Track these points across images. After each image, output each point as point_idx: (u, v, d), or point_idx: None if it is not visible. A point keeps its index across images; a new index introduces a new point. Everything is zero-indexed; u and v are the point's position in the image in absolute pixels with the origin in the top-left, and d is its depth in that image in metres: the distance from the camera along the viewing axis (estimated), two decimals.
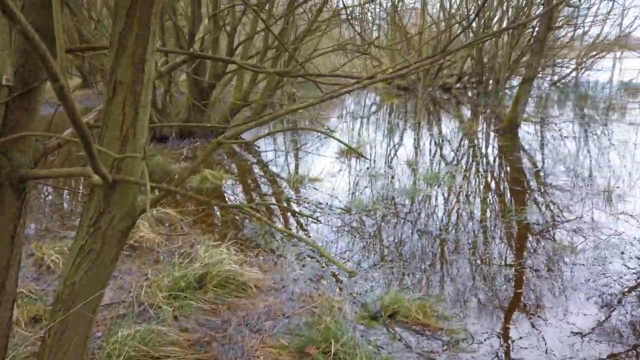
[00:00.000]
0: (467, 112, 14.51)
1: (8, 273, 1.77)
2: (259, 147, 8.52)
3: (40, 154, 1.87)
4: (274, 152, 8.32)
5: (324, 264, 3.71)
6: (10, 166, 1.69)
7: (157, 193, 2.08)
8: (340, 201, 5.31)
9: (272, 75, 8.92)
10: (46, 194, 5.56)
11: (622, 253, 3.96)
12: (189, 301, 3.00)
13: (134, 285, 3.23)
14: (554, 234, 4.42)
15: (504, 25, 17.12)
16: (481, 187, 6.28)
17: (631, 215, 4.84)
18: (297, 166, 7.30)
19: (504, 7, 16.59)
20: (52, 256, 3.58)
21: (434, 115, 13.76)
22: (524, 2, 14.95)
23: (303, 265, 3.69)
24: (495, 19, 17.08)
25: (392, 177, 6.46)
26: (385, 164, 7.35)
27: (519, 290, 3.38)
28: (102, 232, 1.67)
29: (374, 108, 16.21)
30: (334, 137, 1.97)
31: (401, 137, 9.91)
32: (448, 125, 11.79)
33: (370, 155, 7.92)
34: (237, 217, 4.67)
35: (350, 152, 7.75)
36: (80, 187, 5.76)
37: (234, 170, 6.87)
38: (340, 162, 7.29)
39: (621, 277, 3.55)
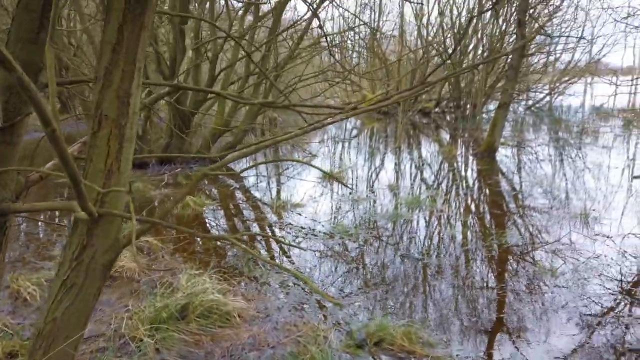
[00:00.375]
0: (446, 136, 14.78)
1: None
2: (241, 173, 8.51)
3: (22, 187, 1.85)
4: (255, 177, 8.32)
5: (307, 291, 3.69)
6: None
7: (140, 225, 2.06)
8: (323, 226, 5.31)
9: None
10: (21, 221, 5.43)
11: (600, 275, 4.04)
12: (172, 333, 2.94)
13: (114, 317, 3.16)
14: (533, 256, 4.49)
15: (479, 52, 17.66)
16: (462, 210, 6.36)
17: (608, 237, 4.95)
18: (279, 191, 7.31)
19: (479, 35, 17.13)
20: (28, 288, 3.49)
21: (414, 139, 13.99)
22: (498, 31, 15.48)
23: (287, 293, 3.67)
24: (471, 46, 17.60)
25: (374, 202, 6.50)
26: (367, 188, 7.41)
27: (501, 314, 3.41)
28: (84, 266, 1.65)
29: (354, 132, 16.40)
30: (314, 167, 2.00)
31: (382, 161, 10.02)
32: (428, 149, 11.99)
33: (352, 179, 7.98)
34: (219, 245, 4.63)
35: (333, 177, 7.80)
36: (57, 219, 5.65)
37: (216, 196, 6.84)
38: (322, 187, 7.31)
39: (600, 298, 3.61)
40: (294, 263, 4.38)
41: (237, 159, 1.78)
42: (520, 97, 22.17)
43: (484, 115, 18.31)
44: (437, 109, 21.24)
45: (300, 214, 5.80)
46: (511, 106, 18.04)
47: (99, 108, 1.63)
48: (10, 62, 0.76)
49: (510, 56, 9.76)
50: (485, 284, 3.92)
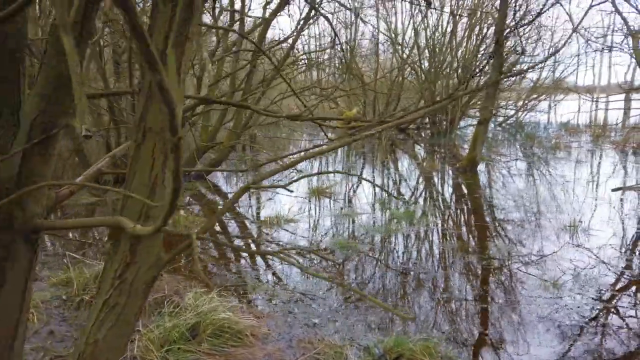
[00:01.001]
0: (423, 152, 15.00)
1: (17, 332, 1.63)
2: (288, 185, 8.40)
3: (52, 203, 1.77)
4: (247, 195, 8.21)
5: (315, 307, 3.64)
6: (24, 216, 1.58)
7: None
8: (321, 241, 5.27)
9: (240, 116, 8.95)
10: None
11: (583, 286, 4.12)
12: (185, 353, 2.84)
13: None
14: (527, 269, 4.56)
15: (454, 66, 18.11)
16: (456, 223, 6.43)
17: (589, 249, 5.08)
18: (264, 207, 7.24)
19: (454, 53, 17.60)
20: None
21: (393, 155, 14.13)
22: (473, 47, 15.94)
23: (296, 309, 3.60)
24: (446, 62, 18.05)
25: (369, 216, 6.51)
26: (351, 203, 7.42)
27: (504, 326, 3.43)
28: (127, 285, 1.58)
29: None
30: (364, 179, 1.98)
31: (371, 176, 10.08)
32: (410, 164, 12.12)
33: (343, 194, 7.98)
34: (220, 262, 4.53)
35: (320, 192, 7.79)
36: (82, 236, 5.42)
37: (201, 214, 6.72)
38: (310, 202, 7.28)
39: (579, 308, 3.67)
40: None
41: (278, 172, 1.75)
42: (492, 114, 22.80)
43: (457, 132, 18.74)
44: (412, 125, 21.58)
45: (293, 231, 5.75)
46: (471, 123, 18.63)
47: (143, 120, 1.58)
48: (157, 64, 0.73)
49: (487, 76, 10.03)
50: (493, 298, 3.95)
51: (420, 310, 3.70)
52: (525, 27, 12.59)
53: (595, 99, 17.00)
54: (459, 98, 16.56)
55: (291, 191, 2.42)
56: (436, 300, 3.89)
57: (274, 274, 4.55)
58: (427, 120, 20.97)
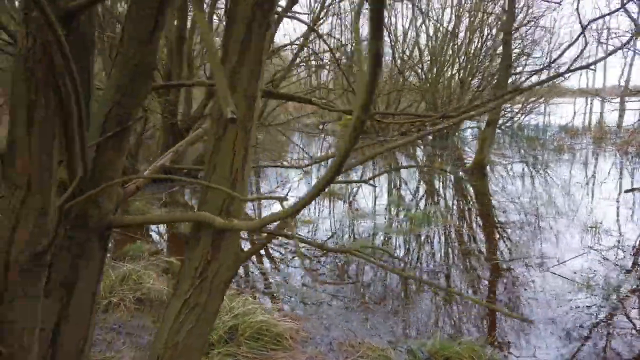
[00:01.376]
0: (427, 154, 14.97)
1: (88, 334, 1.54)
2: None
3: (121, 199, 1.68)
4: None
5: (349, 309, 3.56)
6: (99, 214, 1.49)
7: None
8: (339, 241, 5.20)
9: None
10: None
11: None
12: (225, 357, 2.75)
13: None
14: (561, 271, 4.51)
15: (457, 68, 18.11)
16: (471, 224, 6.37)
17: (616, 248, 5.04)
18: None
19: (455, 55, 17.62)
20: None
21: (398, 158, 14.07)
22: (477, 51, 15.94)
23: (328, 312, 3.52)
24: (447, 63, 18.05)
25: (384, 218, 6.44)
26: (364, 204, 7.35)
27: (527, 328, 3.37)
28: (208, 283, 1.49)
29: (332, 150, 16.40)
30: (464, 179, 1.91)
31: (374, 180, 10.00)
32: (414, 169, 12.07)
33: (354, 196, 7.91)
34: (246, 263, 4.44)
35: (333, 193, 7.71)
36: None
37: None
38: (321, 204, 7.21)
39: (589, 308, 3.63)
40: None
41: (353, 167, 1.68)
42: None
43: (459, 135, 18.76)
44: (413, 128, 21.54)
45: (313, 232, 5.67)
46: (482, 125, 18.61)
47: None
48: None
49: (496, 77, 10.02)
50: (529, 301, 3.89)
51: (452, 311, 3.64)
52: (530, 27, 12.61)
53: (606, 100, 17.08)
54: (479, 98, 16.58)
55: (374, 186, 2.35)
56: (468, 303, 3.83)
57: (302, 276, 4.47)
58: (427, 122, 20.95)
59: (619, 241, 5.32)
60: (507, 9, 10.00)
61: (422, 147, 17.04)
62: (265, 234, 1.64)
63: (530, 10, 10.93)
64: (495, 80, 10.90)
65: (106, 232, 1.55)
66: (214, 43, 0.88)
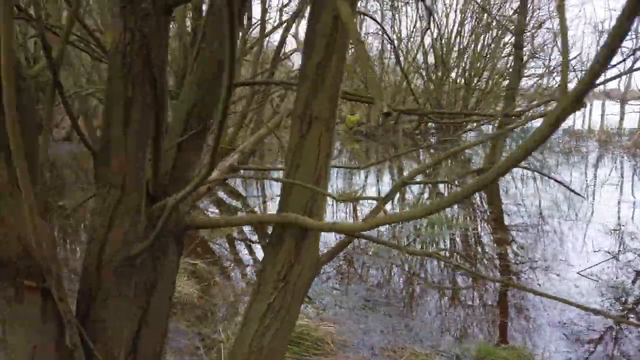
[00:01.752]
0: (429, 159, 14.89)
1: (164, 339, 1.49)
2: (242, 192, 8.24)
3: (193, 200, 1.63)
4: (259, 198, 8.05)
5: (387, 314, 3.51)
6: (177, 216, 1.44)
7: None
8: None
9: (260, 117, 8.83)
10: None
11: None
12: None
13: (198, 347, 2.88)
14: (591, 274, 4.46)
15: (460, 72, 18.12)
16: (491, 226, 6.33)
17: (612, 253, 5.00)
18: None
19: (462, 58, 17.64)
20: None
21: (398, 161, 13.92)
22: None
23: (365, 316, 3.47)
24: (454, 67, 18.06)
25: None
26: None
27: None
28: (292, 286, 1.44)
29: (335, 152, 16.28)
30: (555, 180, 1.87)
31: (379, 180, 9.97)
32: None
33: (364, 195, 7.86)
34: None
35: (347, 197, 7.66)
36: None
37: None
38: (336, 203, 7.14)
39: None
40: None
41: (421, 171, 1.64)
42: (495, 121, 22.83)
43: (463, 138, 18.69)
44: (417, 130, 21.52)
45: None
46: (485, 128, 18.61)
47: (308, 108, 1.45)
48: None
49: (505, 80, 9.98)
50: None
51: (495, 316, 3.58)
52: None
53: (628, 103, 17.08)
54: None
55: (457, 185, 2.31)
56: (498, 308, 3.78)
57: (337, 277, 4.41)
58: (432, 124, 20.95)
59: None
60: (519, 10, 9.99)
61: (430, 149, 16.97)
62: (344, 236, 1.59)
63: (538, 12, 10.95)
64: (508, 81, 10.87)
65: (182, 234, 1.50)
66: (360, 41, 0.84)
